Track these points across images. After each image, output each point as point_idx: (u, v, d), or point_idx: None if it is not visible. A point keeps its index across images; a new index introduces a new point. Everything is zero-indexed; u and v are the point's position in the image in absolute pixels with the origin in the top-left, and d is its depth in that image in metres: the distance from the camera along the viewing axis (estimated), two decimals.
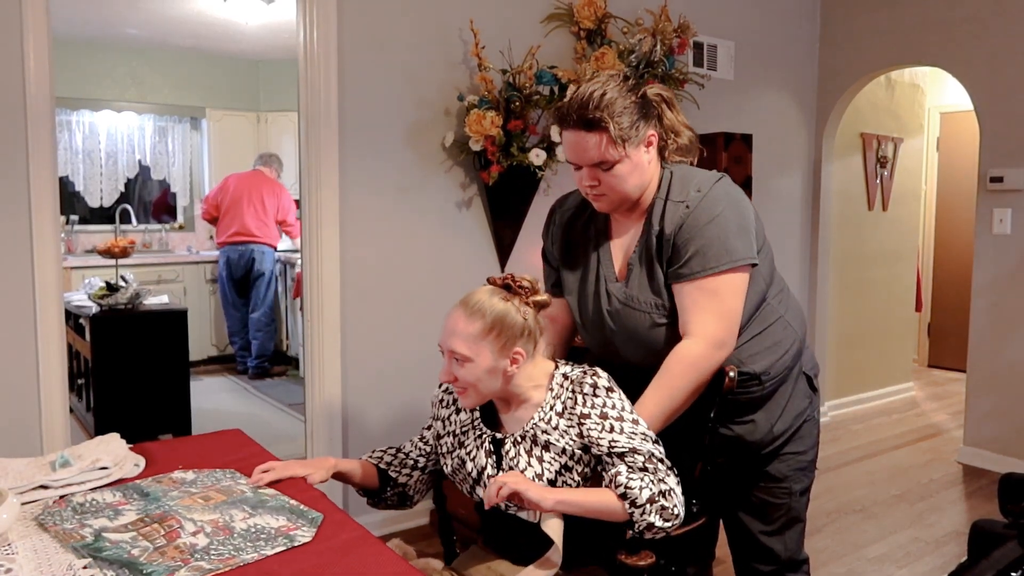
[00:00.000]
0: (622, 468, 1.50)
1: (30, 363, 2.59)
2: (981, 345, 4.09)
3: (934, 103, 6.13)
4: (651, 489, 1.48)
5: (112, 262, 4.66)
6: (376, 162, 3.12)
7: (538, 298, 1.62)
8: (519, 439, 1.59)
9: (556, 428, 1.56)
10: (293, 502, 1.52)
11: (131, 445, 1.78)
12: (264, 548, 1.33)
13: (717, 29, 4.18)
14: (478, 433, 1.65)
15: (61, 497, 1.53)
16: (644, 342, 1.76)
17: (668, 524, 1.49)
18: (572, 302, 1.89)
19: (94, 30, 5.77)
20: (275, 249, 5.94)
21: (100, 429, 4.02)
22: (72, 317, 4.33)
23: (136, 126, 6.57)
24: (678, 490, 1.52)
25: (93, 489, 1.57)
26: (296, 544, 1.35)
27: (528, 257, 3.54)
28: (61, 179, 6.17)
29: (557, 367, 1.64)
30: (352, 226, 3.08)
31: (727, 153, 3.73)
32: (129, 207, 6.23)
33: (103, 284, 4.26)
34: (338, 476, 1.75)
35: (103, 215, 6.48)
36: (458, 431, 1.69)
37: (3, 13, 2.48)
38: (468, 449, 1.65)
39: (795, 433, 1.87)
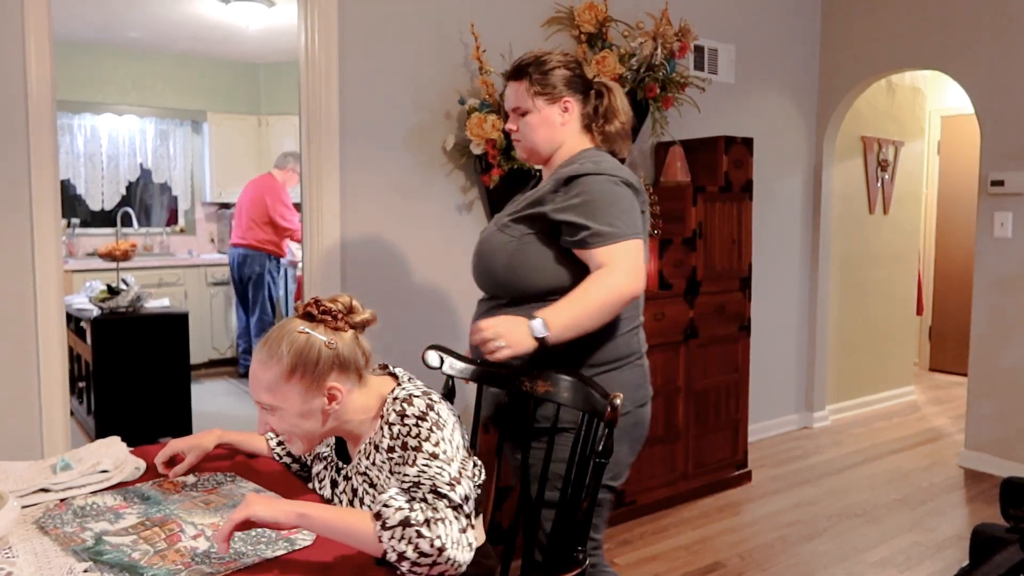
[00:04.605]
0: (394, 490, 1.31)
1: (31, 366, 2.59)
2: (982, 349, 4.09)
3: (935, 106, 6.14)
4: (411, 514, 1.25)
5: (113, 265, 4.67)
6: (377, 165, 3.13)
7: (358, 318, 1.45)
8: (349, 475, 1.49)
9: (375, 464, 1.43)
10: None
11: (132, 448, 1.78)
12: (265, 551, 1.33)
13: (718, 33, 4.19)
14: (329, 462, 1.58)
15: (62, 500, 1.53)
16: (487, 261, 1.94)
17: (427, 560, 1.23)
18: None
19: (96, 33, 5.78)
20: (271, 254, 5.90)
21: (101, 432, 4.02)
22: (73, 320, 4.33)
23: (137, 129, 6.58)
24: (455, 528, 1.26)
25: (94, 492, 1.57)
26: (297, 547, 1.35)
27: None
28: (62, 182, 6.16)
29: (397, 386, 1.48)
30: (353, 229, 3.08)
31: (728, 157, 3.73)
32: (130, 210, 6.24)
33: (104, 287, 4.27)
34: (226, 446, 1.77)
35: (104, 218, 6.48)
36: (324, 454, 1.61)
37: (5, 16, 2.48)
38: (321, 477, 1.59)
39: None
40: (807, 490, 3.82)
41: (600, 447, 1.59)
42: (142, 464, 1.70)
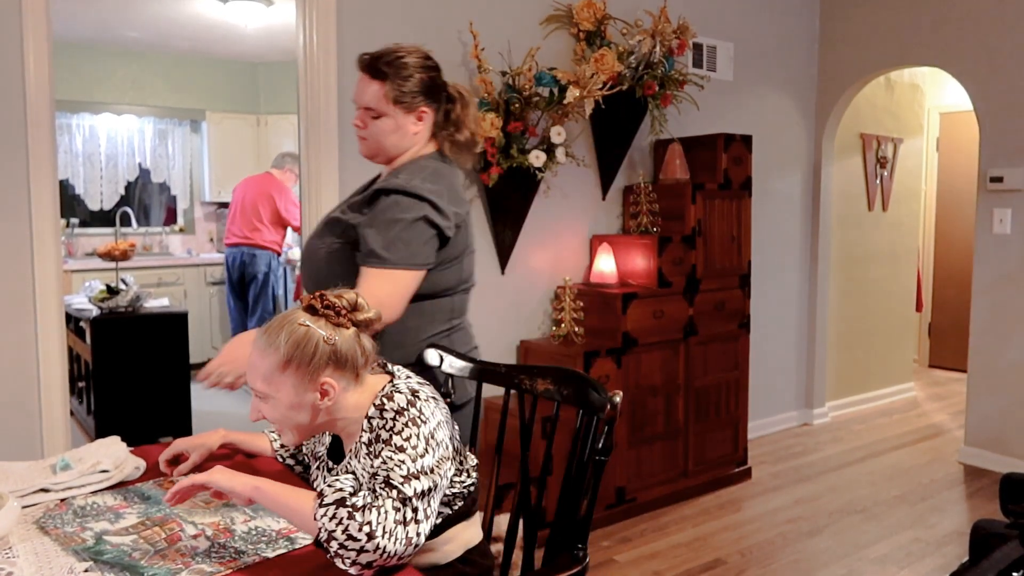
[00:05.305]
0: (346, 476, 1.34)
1: (31, 366, 2.59)
2: (982, 345, 4.09)
3: (933, 103, 6.13)
4: (350, 497, 1.24)
5: (112, 265, 4.67)
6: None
7: (360, 316, 1.42)
8: (339, 473, 1.46)
9: (360, 461, 1.40)
10: None
11: (132, 448, 1.78)
12: (265, 550, 1.33)
13: (716, 30, 4.19)
14: (322, 462, 1.57)
15: (62, 500, 1.53)
16: (304, 266, 1.98)
17: (355, 544, 1.21)
18: None
19: (94, 33, 5.78)
20: (273, 252, 5.91)
21: (101, 432, 4.02)
22: (73, 320, 4.33)
23: (136, 129, 6.58)
24: (390, 518, 1.23)
25: (94, 492, 1.57)
26: (297, 547, 1.35)
27: (530, 258, 3.54)
28: (61, 182, 6.18)
29: (390, 383, 1.43)
30: None
31: (727, 154, 3.73)
32: (129, 210, 6.24)
33: (103, 287, 4.26)
34: (229, 446, 1.78)
35: (103, 218, 6.48)
36: (320, 453, 1.61)
37: (3, 16, 2.48)
38: (315, 477, 1.58)
39: None
40: (807, 487, 3.82)
41: (600, 444, 1.59)
42: (142, 464, 1.70)
